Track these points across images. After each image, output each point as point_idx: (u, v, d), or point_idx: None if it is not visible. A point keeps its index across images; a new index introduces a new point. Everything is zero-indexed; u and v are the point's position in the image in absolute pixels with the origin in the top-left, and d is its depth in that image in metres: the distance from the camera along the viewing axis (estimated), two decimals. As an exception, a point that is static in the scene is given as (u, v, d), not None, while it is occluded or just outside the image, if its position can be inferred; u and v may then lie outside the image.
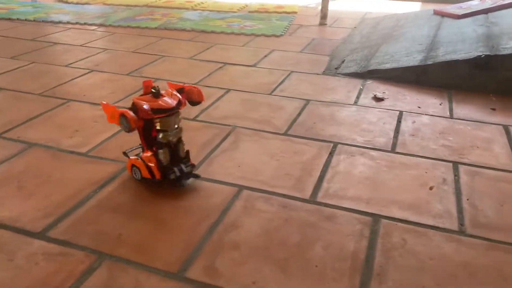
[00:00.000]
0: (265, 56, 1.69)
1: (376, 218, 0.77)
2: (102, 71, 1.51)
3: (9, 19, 2.27)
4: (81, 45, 1.82)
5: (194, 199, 0.82)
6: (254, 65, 1.58)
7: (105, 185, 0.86)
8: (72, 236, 0.72)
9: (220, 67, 1.56)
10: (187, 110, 1.19)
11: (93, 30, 2.09)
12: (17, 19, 2.26)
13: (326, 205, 0.80)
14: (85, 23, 2.19)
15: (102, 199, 0.81)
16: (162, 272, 0.65)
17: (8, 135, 1.06)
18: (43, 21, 2.24)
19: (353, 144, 1.02)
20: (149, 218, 0.76)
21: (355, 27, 2.14)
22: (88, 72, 1.50)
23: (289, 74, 1.49)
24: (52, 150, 0.99)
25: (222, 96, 1.30)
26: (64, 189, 0.85)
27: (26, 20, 2.25)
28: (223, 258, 0.67)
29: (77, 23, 2.20)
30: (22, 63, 1.59)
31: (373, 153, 0.98)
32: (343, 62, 1.58)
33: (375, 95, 1.29)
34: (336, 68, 1.53)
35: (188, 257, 0.67)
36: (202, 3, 2.70)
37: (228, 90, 1.34)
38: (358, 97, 1.29)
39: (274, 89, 1.35)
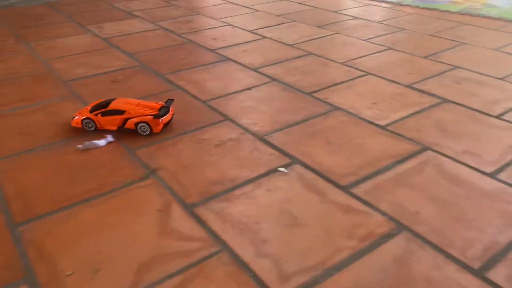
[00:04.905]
0: None
1: None
2: (398, 50, 1.54)
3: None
4: (378, 22, 1.89)
5: (497, 202, 0.77)
6: None
7: (403, 161, 0.89)
8: (372, 198, 0.79)
9: (533, 65, 1.36)
10: (489, 106, 1.11)
11: (389, 8, 2.13)
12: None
13: None
14: (382, 1, 2.26)
15: (400, 174, 0.85)
16: (460, 262, 0.64)
17: (317, 95, 1.21)
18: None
19: None
20: (446, 205, 0.76)
21: None
22: (386, 50, 1.55)
23: None
24: (353, 116, 1.09)
25: (534, 98, 1.15)
26: (364, 154, 0.93)
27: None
28: (531, 274, 0.62)
29: None
30: (327, 32, 1.77)
31: None
32: None
33: None
34: None
35: (490, 258, 0.65)
36: (512, -12, 2.38)
37: (543, 93, 1.17)
38: None
39: None
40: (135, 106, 1.03)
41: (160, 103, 1.06)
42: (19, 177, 0.87)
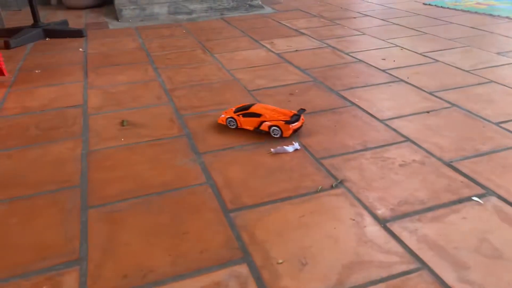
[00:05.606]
0: None
1: None
2: None
3: (490, 14, 2.38)
4: None
5: None
6: None
7: None
8: None
9: None
10: None
11: None
12: (498, 15, 2.35)
13: None
14: None
15: None
16: None
17: (505, 126, 1.15)
18: (523, 20, 2.22)
19: None
20: None
21: None
22: None
23: None
24: (553, 153, 1.01)
25: None
26: None
27: (507, 17, 2.30)
28: None
29: None
30: (509, 60, 1.65)
31: None
32: None
33: None
34: None
35: None
36: None
37: None
38: None
39: None
40: (270, 111, 1.16)
41: (293, 111, 1.17)
42: (224, 170, 1.01)
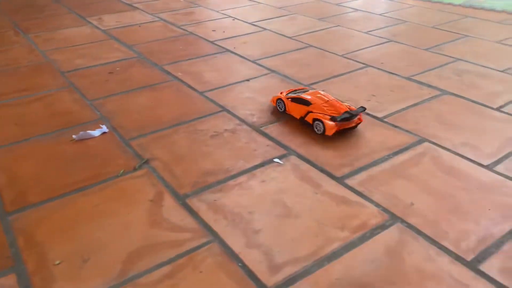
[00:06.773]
0: None
1: None
2: (400, 42, 1.52)
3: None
4: (380, 14, 1.87)
5: (493, 194, 0.75)
6: None
7: (400, 153, 0.88)
8: (366, 190, 0.78)
9: (536, 57, 1.34)
10: (490, 99, 1.09)
11: (391, 0, 2.11)
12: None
13: None
14: (384, -7, 2.23)
15: (396, 165, 0.84)
16: (453, 254, 0.63)
17: (315, 87, 1.20)
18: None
19: None
20: (442, 197, 0.75)
21: None
22: (387, 42, 1.53)
23: None
24: (351, 108, 1.08)
25: (535, 90, 1.13)
26: (360, 146, 0.92)
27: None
28: (525, 267, 0.61)
29: (377, -8, 2.26)
30: (328, 25, 1.75)
31: None
32: None
33: None
34: None
35: (483, 250, 0.64)
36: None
37: (544, 85, 1.15)
38: None
39: None
40: (323, 102, 0.98)
41: (350, 107, 0.98)
42: (12, 166, 0.87)
